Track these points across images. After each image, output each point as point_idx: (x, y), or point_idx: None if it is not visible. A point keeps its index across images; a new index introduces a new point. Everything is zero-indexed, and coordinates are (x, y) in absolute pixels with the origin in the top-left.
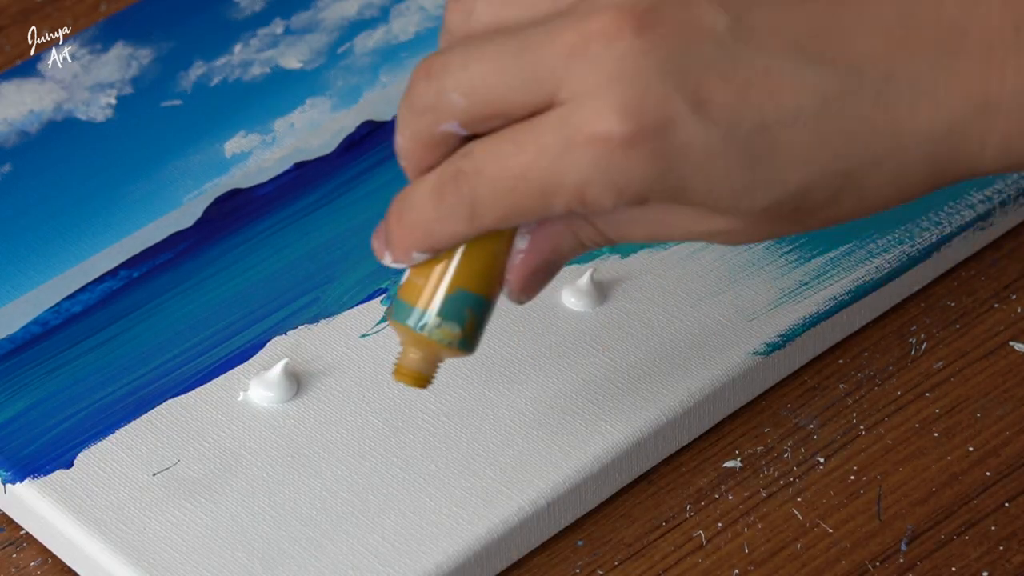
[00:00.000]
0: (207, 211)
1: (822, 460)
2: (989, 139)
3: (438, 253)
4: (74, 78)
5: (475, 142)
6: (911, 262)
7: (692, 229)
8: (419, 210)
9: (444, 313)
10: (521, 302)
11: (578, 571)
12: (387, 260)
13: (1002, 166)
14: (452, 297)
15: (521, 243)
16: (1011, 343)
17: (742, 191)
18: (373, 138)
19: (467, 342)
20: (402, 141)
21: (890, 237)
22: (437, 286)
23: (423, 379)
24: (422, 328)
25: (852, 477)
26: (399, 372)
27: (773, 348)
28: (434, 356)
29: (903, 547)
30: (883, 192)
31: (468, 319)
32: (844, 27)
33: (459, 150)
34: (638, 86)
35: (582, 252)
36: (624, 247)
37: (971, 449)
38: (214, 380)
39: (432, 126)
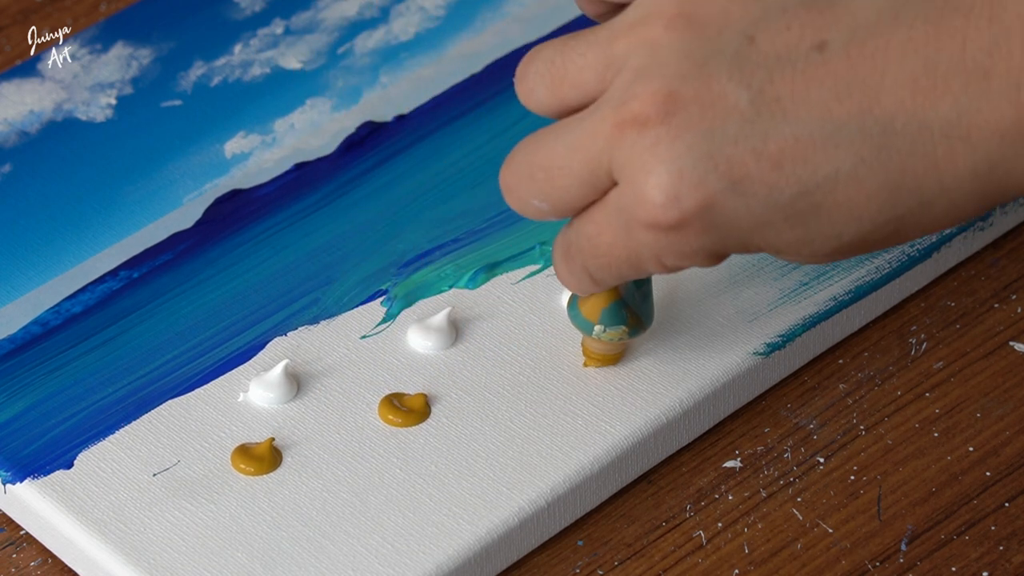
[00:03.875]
0: (207, 212)
1: (822, 460)
2: None
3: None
4: (74, 78)
5: (575, 218)
6: (911, 262)
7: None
8: (561, 273)
9: (608, 321)
10: None
11: (578, 571)
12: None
13: None
14: (609, 309)
15: None
16: (1011, 343)
17: (800, 245)
18: (373, 139)
19: (636, 330)
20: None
21: None
22: (599, 303)
23: (612, 359)
24: (597, 336)
25: (852, 477)
26: (589, 359)
27: (773, 348)
28: (616, 347)
29: (903, 547)
30: (940, 223)
31: (628, 316)
32: (868, 84)
33: (566, 224)
34: (673, 173)
35: None
36: None
37: (971, 449)
38: (214, 381)
39: (537, 218)
